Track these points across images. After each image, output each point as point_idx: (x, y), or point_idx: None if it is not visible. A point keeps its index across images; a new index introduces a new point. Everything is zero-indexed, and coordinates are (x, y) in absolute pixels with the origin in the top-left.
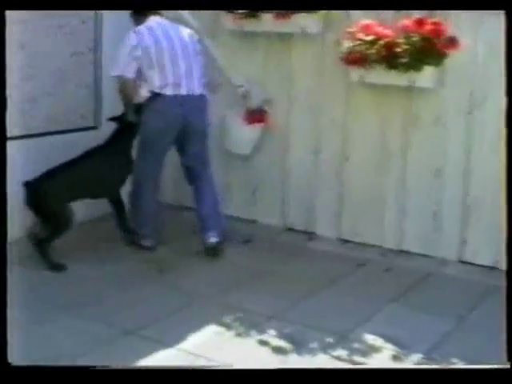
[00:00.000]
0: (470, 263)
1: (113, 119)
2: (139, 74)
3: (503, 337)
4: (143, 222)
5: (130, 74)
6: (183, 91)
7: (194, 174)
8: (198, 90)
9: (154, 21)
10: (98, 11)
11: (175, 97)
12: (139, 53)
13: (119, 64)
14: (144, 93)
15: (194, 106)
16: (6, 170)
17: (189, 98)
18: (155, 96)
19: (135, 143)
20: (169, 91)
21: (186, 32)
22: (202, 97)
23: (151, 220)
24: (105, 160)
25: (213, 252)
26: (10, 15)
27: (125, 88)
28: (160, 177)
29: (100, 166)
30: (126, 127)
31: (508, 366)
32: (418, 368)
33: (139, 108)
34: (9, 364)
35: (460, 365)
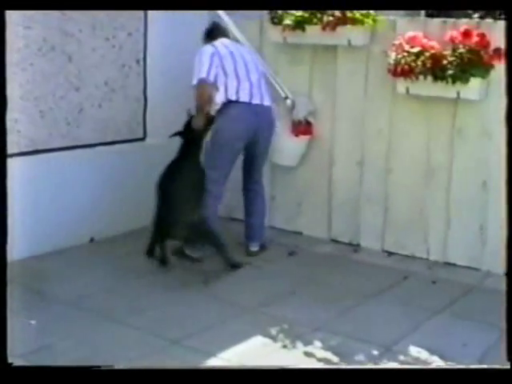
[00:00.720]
0: None
1: (178, 134)
2: (215, 81)
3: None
4: None
5: (211, 78)
6: (257, 100)
7: (250, 182)
8: (267, 101)
9: (221, 41)
10: (144, 24)
11: (250, 104)
12: (218, 60)
13: (200, 70)
14: (219, 99)
15: (265, 115)
16: (6, 170)
17: (261, 107)
18: (230, 103)
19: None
20: (245, 98)
21: (248, 49)
22: (270, 109)
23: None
24: (186, 177)
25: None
26: (54, 25)
27: (204, 92)
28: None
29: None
30: (192, 139)
31: (508, 366)
32: (419, 368)
33: (211, 117)
34: (9, 364)
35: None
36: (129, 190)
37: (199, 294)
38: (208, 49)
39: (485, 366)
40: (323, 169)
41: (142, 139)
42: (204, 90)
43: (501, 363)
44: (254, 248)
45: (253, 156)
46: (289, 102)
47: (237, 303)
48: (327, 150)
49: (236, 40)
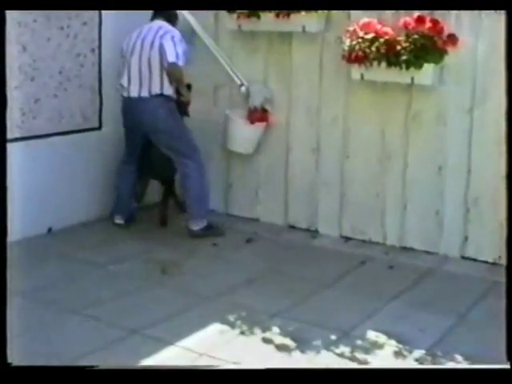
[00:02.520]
0: (472, 259)
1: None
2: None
3: (503, 334)
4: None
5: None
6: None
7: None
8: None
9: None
10: (98, 13)
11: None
12: None
13: (179, 54)
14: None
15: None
16: (6, 170)
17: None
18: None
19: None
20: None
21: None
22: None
23: None
24: None
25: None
26: (10, 17)
27: (181, 74)
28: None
29: None
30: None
31: (508, 366)
32: (419, 368)
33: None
34: (9, 364)
35: (461, 361)
36: (86, 180)
37: (158, 284)
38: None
39: (485, 366)
40: (280, 156)
41: (98, 128)
42: (181, 72)
43: (456, 349)
44: (194, 226)
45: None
46: (243, 89)
47: (195, 292)
48: (283, 137)
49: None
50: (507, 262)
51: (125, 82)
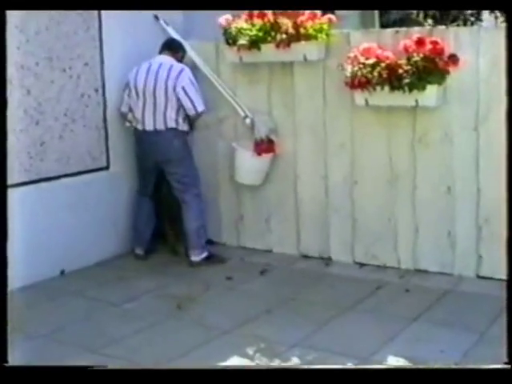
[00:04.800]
0: (487, 278)
1: None
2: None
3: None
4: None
5: None
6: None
7: (177, 193)
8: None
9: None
10: (99, 52)
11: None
12: None
13: (200, 100)
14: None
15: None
16: (6, 170)
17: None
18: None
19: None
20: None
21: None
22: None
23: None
24: None
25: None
26: (12, 61)
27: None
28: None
29: None
30: None
31: (508, 366)
32: (419, 368)
33: None
34: (7, 364)
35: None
36: (96, 220)
37: (174, 319)
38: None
39: (485, 366)
40: (288, 185)
41: (106, 168)
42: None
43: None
44: (194, 258)
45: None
46: (248, 121)
47: (212, 325)
48: (291, 166)
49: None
50: (508, 271)
51: (138, 115)
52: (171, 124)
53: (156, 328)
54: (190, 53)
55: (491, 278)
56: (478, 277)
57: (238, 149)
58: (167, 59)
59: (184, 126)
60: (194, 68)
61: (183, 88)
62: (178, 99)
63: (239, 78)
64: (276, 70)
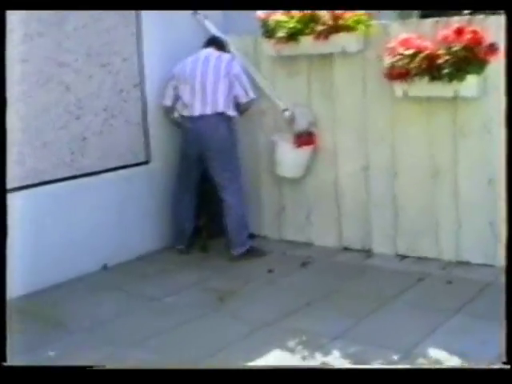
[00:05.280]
0: None
1: None
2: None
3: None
4: None
5: None
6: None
7: (218, 188)
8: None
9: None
10: (137, 48)
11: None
12: None
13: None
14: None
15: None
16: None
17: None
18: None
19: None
20: None
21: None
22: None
23: None
24: None
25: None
26: (50, 57)
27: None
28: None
29: None
30: None
31: (508, 367)
32: (418, 368)
33: None
34: (5, 364)
35: None
36: (137, 215)
37: (215, 313)
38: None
39: (485, 366)
40: (329, 177)
41: (146, 163)
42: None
43: None
44: (234, 252)
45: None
46: (287, 113)
47: (253, 319)
48: (332, 159)
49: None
50: (506, 265)
51: (187, 100)
52: (220, 109)
53: (196, 322)
54: (230, 47)
55: None
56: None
57: (278, 142)
58: (214, 51)
59: (233, 113)
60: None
61: (235, 75)
62: (230, 86)
63: (278, 70)
64: (315, 63)
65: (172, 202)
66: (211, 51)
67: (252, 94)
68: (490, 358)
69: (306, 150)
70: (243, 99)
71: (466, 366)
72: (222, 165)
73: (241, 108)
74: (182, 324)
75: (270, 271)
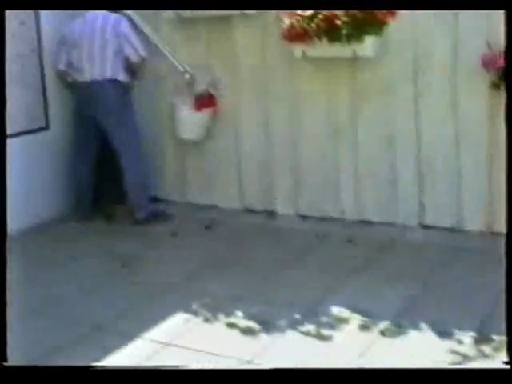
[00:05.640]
0: (430, 227)
1: None
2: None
3: (465, 298)
4: None
5: None
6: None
7: (116, 153)
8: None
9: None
10: (35, 11)
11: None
12: None
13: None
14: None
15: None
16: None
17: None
18: None
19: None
20: None
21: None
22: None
23: None
24: None
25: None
26: None
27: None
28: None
29: None
30: None
31: (508, 367)
32: (418, 368)
33: None
34: (6, 364)
35: (427, 329)
36: (38, 181)
37: (118, 278)
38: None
39: (485, 366)
40: (231, 139)
41: (46, 128)
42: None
43: (421, 317)
44: (137, 217)
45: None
46: (187, 76)
47: (157, 282)
48: (233, 121)
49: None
50: (507, 262)
51: (77, 64)
52: (110, 74)
53: (100, 287)
54: (127, 10)
55: (434, 227)
56: (422, 226)
57: (178, 105)
58: (103, 12)
59: (125, 77)
60: (131, 25)
61: (124, 35)
62: (119, 47)
63: (178, 33)
64: (215, 25)
65: (70, 169)
66: (101, 12)
67: (143, 52)
68: (391, 316)
69: (206, 113)
70: (134, 58)
71: (466, 366)
72: (115, 130)
73: (134, 68)
74: (86, 290)
75: (173, 235)
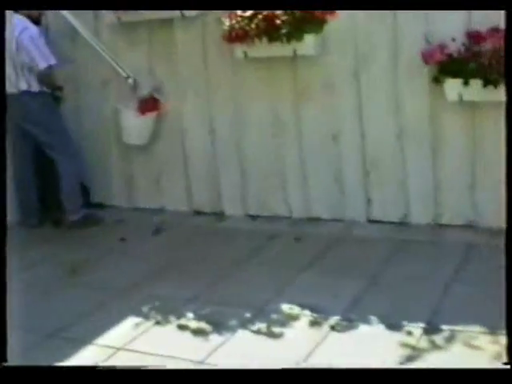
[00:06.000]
0: (377, 221)
1: None
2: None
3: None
4: None
5: None
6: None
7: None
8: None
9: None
10: None
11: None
12: None
13: (47, 57)
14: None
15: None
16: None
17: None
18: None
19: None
20: None
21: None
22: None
23: None
24: None
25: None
26: None
27: (52, 79)
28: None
29: None
30: None
31: (508, 367)
32: (417, 368)
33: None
34: (6, 364)
35: (376, 323)
36: None
37: (69, 285)
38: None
39: (485, 366)
40: (176, 142)
41: None
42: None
43: (371, 311)
44: (69, 219)
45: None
46: (130, 81)
47: (107, 288)
48: (178, 124)
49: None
50: (506, 262)
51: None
52: (26, 86)
53: (51, 295)
54: (67, 16)
55: (382, 222)
56: (369, 221)
57: (122, 110)
58: (16, 19)
59: (39, 87)
60: (72, 31)
61: (25, 46)
62: (24, 58)
63: (119, 38)
64: (155, 28)
65: (15, 179)
66: (15, 18)
67: (42, 63)
68: (341, 311)
69: (150, 116)
70: (38, 69)
71: (466, 367)
72: (45, 138)
73: (41, 78)
74: (37, 299)
75: (122, 240)
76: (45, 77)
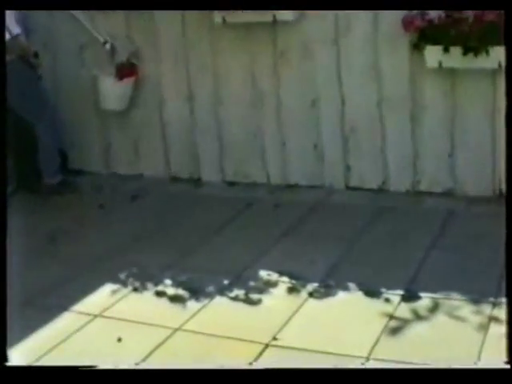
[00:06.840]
0: (356, 188)
1: None
2: None
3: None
4: None
5: None
6: None
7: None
8: None
9: None
10: None
11: None
12: None
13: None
14: None
15: None
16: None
17: None
18: None
19: None
20: None
21: None
22: None
23: None
24: None
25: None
26: None
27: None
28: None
29: None
30: None
31: (508, 367)
32: (417, 368)
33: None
34: (6, 364)
35: (355, 289)
36: None
37: (46, 253)
38: None
39: (485, 366)
40: (154, 109)
41: None
42: None
43: (349, 277)
44: (45, 182)
45: None
46: (108, 46)
47: (85, 256)
48: (156, 90)
49: None
50: (506, 262)
51: None
52: None
53: (27, 264)
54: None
55: (360, 188)
56: (347, 187)
57: (99, 75)
58: None
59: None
60: None
61: None
62: None
63: None
64: None
65: None
66: None
67: (17, 30)
68: (319, 277)
69: (128, 82)
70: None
71: (465, 366)
72: (21, 103)
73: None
74: (12, 267)
75: (100, 207)
76: (10, 48)
